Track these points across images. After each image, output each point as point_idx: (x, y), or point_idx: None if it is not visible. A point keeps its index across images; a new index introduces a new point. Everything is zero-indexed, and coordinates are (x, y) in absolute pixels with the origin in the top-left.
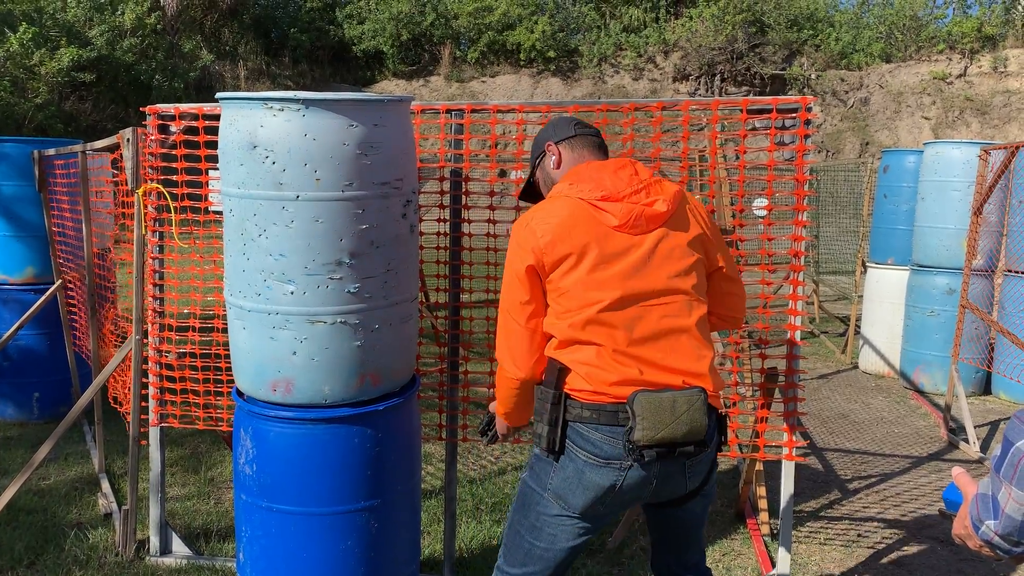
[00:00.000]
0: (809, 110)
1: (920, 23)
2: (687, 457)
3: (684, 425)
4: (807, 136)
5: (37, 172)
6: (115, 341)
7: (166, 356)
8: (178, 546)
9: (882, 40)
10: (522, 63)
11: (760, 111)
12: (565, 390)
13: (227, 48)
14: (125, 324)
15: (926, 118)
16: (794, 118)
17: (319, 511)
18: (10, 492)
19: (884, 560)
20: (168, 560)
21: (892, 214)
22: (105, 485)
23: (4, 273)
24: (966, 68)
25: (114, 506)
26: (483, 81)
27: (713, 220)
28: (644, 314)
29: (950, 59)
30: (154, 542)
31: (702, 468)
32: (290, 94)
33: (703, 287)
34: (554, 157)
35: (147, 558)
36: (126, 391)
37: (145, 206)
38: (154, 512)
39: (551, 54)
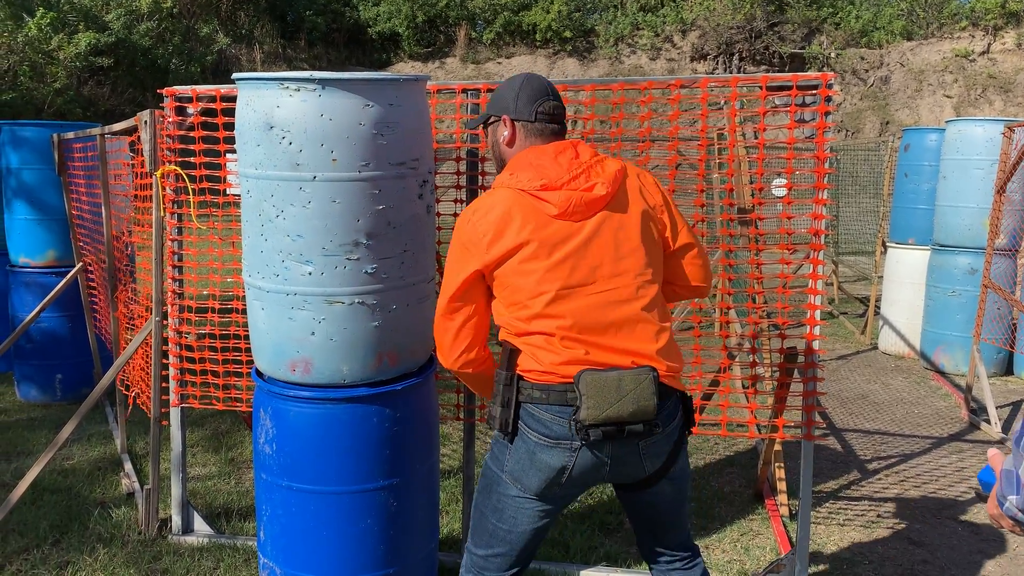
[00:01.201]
0: (830, 86)
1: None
2: (638, 437)
3: (630, 404)
4: (828, 113)
5: (57, 156)
6: (128, 324)
7: (186, 337)
8: (200, 525)
9: (903, 17)
10: (538, 44)
11: (780, 88)
12: (517, 371)
13: (243, 31)
14: (135, 307)
15: (948, 96)
16: (815, 95)
17: (339, 490)
18: (34, 472)
19: (903, 540)
20: (190, 538)
21: (913, 193)
22: (128, 465)
23: (26, 256)
24: (989, 45)
25: (136, 485)
26: (499, 62)
27: (662, 187)
28: (591, 302)
29: (973, 36)
30: (176, 521)
31: (659, 450)
32: (306, 74)
33: (655, 264)
34: (507, 132)
35: (169, 536)
36: (137, 374)
37: (163, 188)
38: (176, 491)
39: (567, 34)
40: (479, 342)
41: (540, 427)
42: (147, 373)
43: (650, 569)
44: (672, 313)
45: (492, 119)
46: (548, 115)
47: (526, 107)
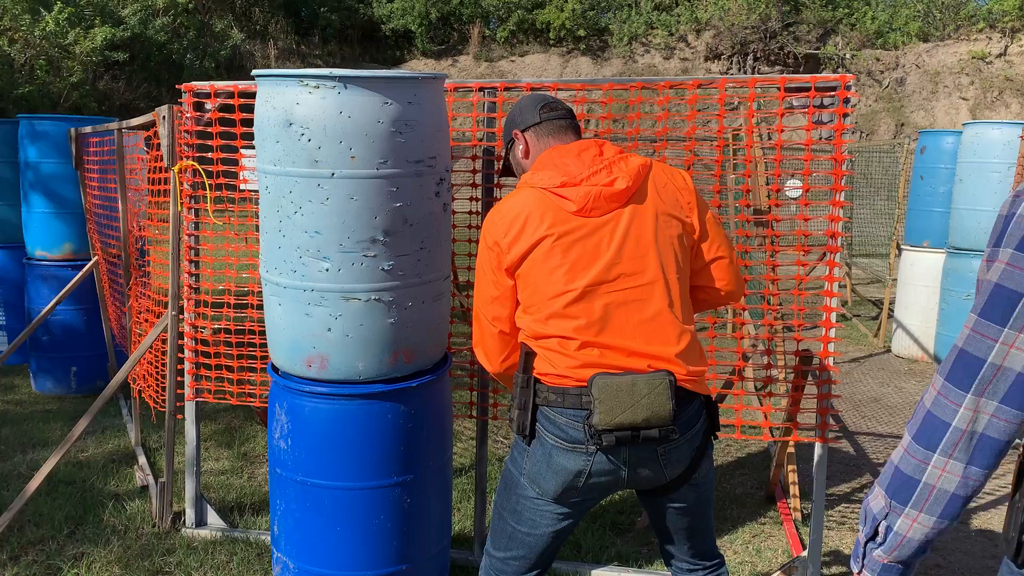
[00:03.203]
0: (848, 88)
1: (959, 1)
2: (656, 443)
3: (644, 409)
4: (846, 115)
5: (74, 150)
6: (138, 318)
7: (201, 332)
8: (213, 519)
9: (919, 19)
10: (551, 42)
11: (798, 89)
12: (534, 374)
13: (257, 27)
14: (146, 301)
15: (964, 99)
16: (832, 96)
17: (352, 486)
18: (50, 464)
19: None
20: (203, 532)
21: (929, 196)
22: (142, 458)
23: (43, 249)
24: (1006, 47)
25: (150, 479)
26: (512, 60)
27: (696, 190)
28: (609, 300)
29: (990, 38)
30: (190, 514)
31: (680, 456)
32: (326, 71)
33: (679, 263)
34: (521, 146)
35: (183, 530)
36: (144, 368)
37: (181, 183)
38: (190, 485)
39: (581, 33)
40: (515, 340)
41: (556, 430)
42: (155, 367)
43: None
44: None
45: (509, 145)
46: (553, 110)
47: (530, 113)
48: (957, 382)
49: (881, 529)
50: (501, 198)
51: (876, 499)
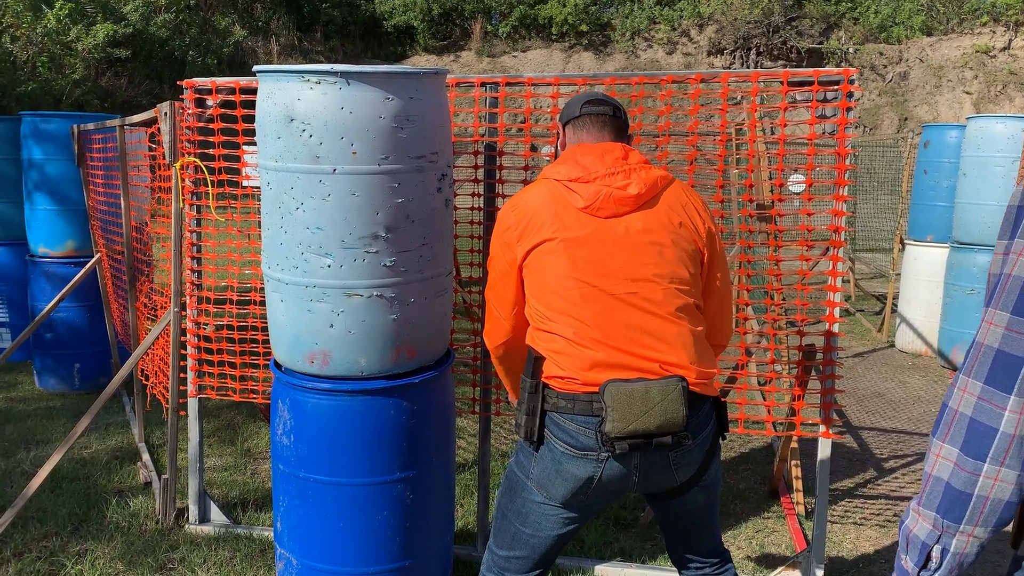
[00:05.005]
0: (852, 82)
1: None
2: (667, 448)
3: (658, 416)
4: (849, 109)
5: (76, 147)
6: (148, 315)
7: (204, 328)
8: (216, 515)
9: (923, 13)
10: (554, 37)
11: (801, 83)
12: (543, 379)
13: (259, 24)
14: (157, 297)
15: (967, 92)
16: (836, 90)
17: (355, 482)
18: (54, 460)
19: None
20: (207, 528)
21: (932, 190)
22: (145, 455)
23: (46, 247)
24: (1010, 41)
25: (154, 475)
26: (514, 56)
27: (712, 218)
28: (616, 300)
29: (994, 32)
30: (193, 511)
31: (691, 459)
32: (327, 67)
33: (688, 278)
34: (561, 137)
35: (186, 526)
36: (157, 365)
37: (183, 180)
38: (193, 482)
39: (583, 28)
40: (520, 329)
41: (566, 437)
42: (166, 364)
43: (680, 574)
44: None
45: (557, 135)
46: (598, 103)
47: (574, 107)
48: (999, 385)
49: (935, 554)
50: (502, 193)
51: (920, 523)
